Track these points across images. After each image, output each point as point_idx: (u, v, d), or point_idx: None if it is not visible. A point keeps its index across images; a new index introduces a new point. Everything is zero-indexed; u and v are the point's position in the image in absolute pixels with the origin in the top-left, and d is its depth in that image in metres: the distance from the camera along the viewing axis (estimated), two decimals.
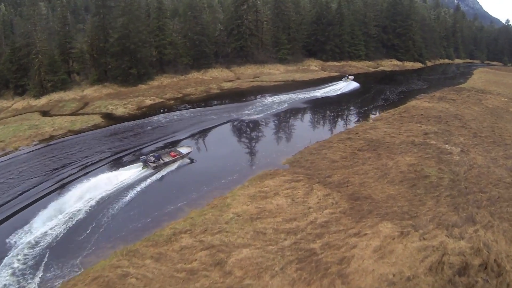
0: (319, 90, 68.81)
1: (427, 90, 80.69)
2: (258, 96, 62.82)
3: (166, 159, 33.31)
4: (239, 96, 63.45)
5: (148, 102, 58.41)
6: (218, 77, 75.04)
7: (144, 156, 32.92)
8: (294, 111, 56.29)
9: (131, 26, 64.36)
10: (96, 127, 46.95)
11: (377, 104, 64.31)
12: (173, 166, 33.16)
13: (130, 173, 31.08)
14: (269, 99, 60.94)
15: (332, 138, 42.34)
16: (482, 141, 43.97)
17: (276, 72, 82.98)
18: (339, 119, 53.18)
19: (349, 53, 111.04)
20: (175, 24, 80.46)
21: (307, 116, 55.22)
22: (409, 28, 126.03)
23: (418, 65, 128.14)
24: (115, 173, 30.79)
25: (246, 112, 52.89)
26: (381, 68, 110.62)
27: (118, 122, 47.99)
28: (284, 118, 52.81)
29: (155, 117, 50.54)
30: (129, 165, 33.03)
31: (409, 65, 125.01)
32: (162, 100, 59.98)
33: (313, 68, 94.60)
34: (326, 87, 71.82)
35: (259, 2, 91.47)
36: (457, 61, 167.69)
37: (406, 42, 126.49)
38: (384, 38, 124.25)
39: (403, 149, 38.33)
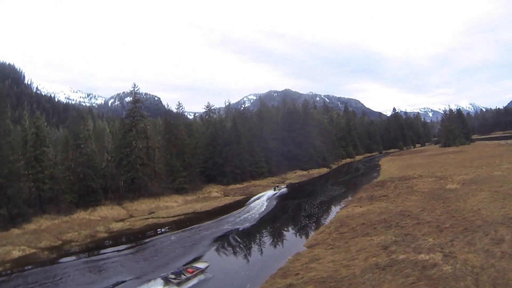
0: (222, 222, 56.60)
1: (348, 193, 73.85)
2: (149, 240, 48.39)
3: (187, 275, 33.04)
4: (130, 240, 49.20)
5: (16, 253, 42.29)
6: (108, 216, 61.27)
7: (165, 273, 33.18)
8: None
9: None
10: None
11: (302, 225, 53.42)
12: (194, 281, 32.88)
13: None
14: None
15: None
16: (453, 233, 35.24)
17: (174, 205, 70.91)
18: (263, 258, 39.36)
19: (250, 172, 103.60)
20: (58, 154, 67.80)
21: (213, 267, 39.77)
22: (308, 135, 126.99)
23: (324, 170, 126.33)
24: None
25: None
26: (288, 181, 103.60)
27: None
28: None
29: None
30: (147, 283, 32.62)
31: (315, 172, 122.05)
32: (35, 250, 43.71)
33: (215, 194, 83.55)
34: (228, 217, 60.09)
35: (148, 127, 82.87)
36: (357, 157, 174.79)
37: (307, 149, 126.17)
38: (284, 150, 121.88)
39: (373, 282, 25.96)
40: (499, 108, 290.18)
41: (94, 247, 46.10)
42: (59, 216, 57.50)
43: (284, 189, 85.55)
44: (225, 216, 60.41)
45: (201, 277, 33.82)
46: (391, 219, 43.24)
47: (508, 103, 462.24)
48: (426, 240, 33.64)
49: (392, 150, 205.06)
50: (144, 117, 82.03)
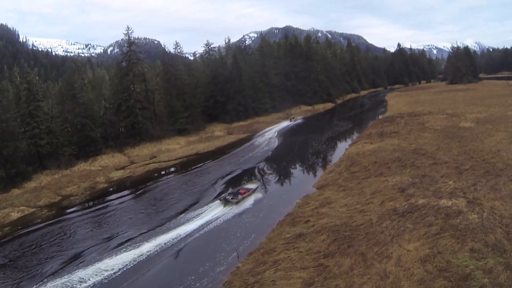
0: (224, 163, 54.30)
1: (356, 129, 71.11)
2: (148, 187, 45.67)
3: (241, 196, 36.34)
4: (130, 188, 46.53)
5: (15, 215, 38.99)
6: (109, 165, 57.89)
7: (223, 196, 36.56)
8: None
9: None
10: None
11: (310, 163, 51.10)
12: (251, 199, 36.47)
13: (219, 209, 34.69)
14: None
15: (269, 243, 25.76)
16: (474, 176, 32.47)
17: (176, 147, 67.71)
18: (270, 202, 36.48)
19: (254, 109, 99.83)
20: (54, 107, 63.34)
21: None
22: (311, 69, 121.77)
23: (329, 105, 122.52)
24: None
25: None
26: (292, 117, 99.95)
27: None
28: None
29: None
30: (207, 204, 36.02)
31: (320, 107, 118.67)
32: (34, 209, 40.40)
33: (218, 133, 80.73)
34: (231, 156, 57.91)
35: (146, 69, 78.04)
36: (362, 92, 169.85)
37: (311, 84, 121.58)
38: (287, 85, 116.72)
39: (392, 231, 23.47)
40: (506, 48, 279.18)
41: (93, 199, 42.96)
42: (59, 170, 54.46)
43: (299, 120, 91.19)
44: (227, 155, 58.19)
45: (257, 195, 37.76)
46: (406, 157, 40.54)
47: None
48: (446, 183, 30.95)
49: (397, 86, 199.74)
50: (140, 59, 77.18)
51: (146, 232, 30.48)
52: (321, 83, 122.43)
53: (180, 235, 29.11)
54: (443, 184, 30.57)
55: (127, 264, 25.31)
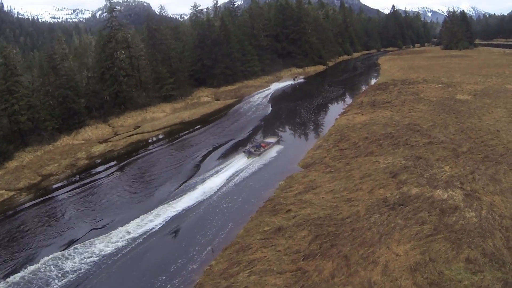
0: (208, 134, 51.54)
1: (347, 96, 68.02)
2: (128, 161, 42.64)
3: (261, 148, 38.82)
4: (111, 163, 43.24)
5: None
6: (92, 137, 54.45)
7: (246, 149, 39.19)
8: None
9: None
10: None
11: (296, 134, 48.23)
12: (273, 152, 39.49)
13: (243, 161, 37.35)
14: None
15: (246, 236, 23.15)
16: (472, 161, 29.93)
17: (161, 116, 64.06)
18: (249, 181, 33.39)
19: (243, 72, 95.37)
20: (35, 80, 59.62)
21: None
22: (302, 31, 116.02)
23: (320, 67, 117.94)
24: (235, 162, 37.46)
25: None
26: (295, 77, 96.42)
27: None
28: None
29: None
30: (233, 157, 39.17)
31: (311, 70, 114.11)
32: (13, 193, 36.71)
33: (205, 99, 76.96)
34: (215, 126, 55.00)
35: (129, 35, 73.10)
36: (355, 54, 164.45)
37: (302, 46, 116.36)
38: (278, 48, 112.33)
39: (380, 228, 20.99)
40: (503, 15, 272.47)
41: (73, 176, 39.88)
42: (42, 146, 50.60)
43: (302, 80, 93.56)
44: (212, 125, 55.19)
45: (278, 148, 40.70)
46: (399, 134, 37.80)
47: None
48: (441, 168, 28.43)
49: (390, 49, 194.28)
50: (123, 25, 72.48)
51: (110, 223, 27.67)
52: (312, 45, 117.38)
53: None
54: (438, 170, 28.03)
55: None
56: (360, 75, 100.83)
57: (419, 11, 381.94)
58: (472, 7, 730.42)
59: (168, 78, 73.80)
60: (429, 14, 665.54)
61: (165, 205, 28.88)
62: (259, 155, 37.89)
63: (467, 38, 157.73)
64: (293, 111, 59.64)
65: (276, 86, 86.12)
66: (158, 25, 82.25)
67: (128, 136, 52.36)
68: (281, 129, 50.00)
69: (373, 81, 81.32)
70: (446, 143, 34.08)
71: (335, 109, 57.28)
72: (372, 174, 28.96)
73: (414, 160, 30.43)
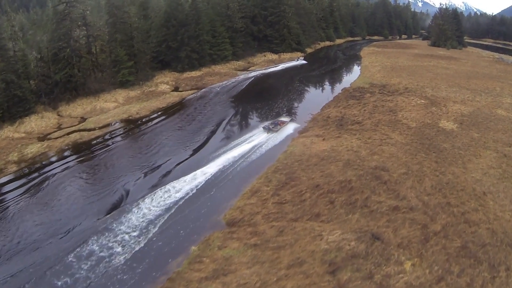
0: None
1: (315, 101, 57.15)
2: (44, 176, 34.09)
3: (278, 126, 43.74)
4: (34, 174, 35.01)
5: None
6: (34, 130, 46.63)
7: (265, 125, 44.00)
8: None
9: None
10: None
11: (237, 161, 37.25)
12: (289, 128, 44.50)
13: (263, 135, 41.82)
14: None
15: None
16: (444, 253, 21.62)
17: (110, 107, 54.98)
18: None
19: (211, 55, 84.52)
20: None
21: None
22: (282, 14, 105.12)
23: (297, 54, 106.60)
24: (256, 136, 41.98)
25: None
26: (252, 68, 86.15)
27: None
28: None
29: None
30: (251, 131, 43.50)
31: (287, 56, 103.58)
32: None
33: (163, 87, 66.66)
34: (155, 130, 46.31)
35: (88, 12, 63.76)
36: (338, 41, 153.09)
37: (280, 31, 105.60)
38: (253, 30, 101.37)
39: None
40: (494, 15, 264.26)
41: None
42: None
43: (303, 61, 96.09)
44: (155, 127, 46.96)
45: (295, 125, 45.21)
46: (360, 184, 28.75)
47: (503, 10, 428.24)
48: (400, 265, 20.20)
49: (376, 37, 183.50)
50: (78, 1, 61.84)
51: None
52: (291, 30, 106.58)
53: None
54: (395, 269, 19.66)
55: None
56: (338, 71, 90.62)
57: (410, 1, 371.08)
58: (463, 2, 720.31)
59: (126, 62, 63.99)
60: (420, 4, 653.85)
61: None
62: (276, 131, 42.58)
63: (457, 37, 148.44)
64: (249, 116, 50.21)
65: (243, 76, 76.30)
66: (120, 1, 71.06)
67: (68, 134, 44.44)
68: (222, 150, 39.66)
69: (350, 81, 71.48)
70: (416, 211, 25.18)
71: (295, 122, 47.20)
72: (305, 263, 20.22)
73: (368, 243, 21.62)
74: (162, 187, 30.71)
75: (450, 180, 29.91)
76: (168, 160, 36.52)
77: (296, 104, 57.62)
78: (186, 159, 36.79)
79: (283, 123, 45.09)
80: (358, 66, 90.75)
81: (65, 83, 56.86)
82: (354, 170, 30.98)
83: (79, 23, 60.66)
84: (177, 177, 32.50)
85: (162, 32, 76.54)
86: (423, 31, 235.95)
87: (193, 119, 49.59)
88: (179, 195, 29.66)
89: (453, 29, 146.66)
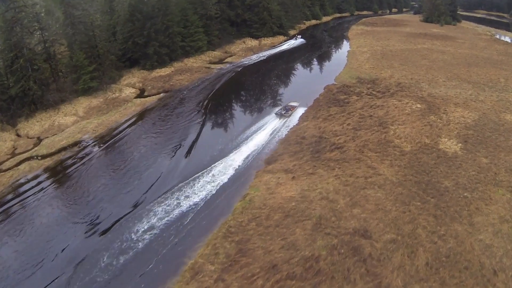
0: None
1: (289, 111, 47.91)
2: None
3: (290, 111, 45.21)
4: None
5: None
6: None
7: (277, 111, 45.00)
8: None
9: None
10: None
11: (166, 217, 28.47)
12: (298, 111, 45.40)
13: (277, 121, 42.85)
14: None
15: None
16: None
17: (69, 122, 47.08)
18: None
19: (184, 48, 74.54)
20: None
21: None
22: None
23: (279, 39, 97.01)
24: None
25: None
26: (229, 59, 77.32)
27: None
28: None
29: None
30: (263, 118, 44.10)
31: (268, 42, 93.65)
32: None
33: (127, 92, 57.50)
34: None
35: (42, 14, 57.90)
36: (325, 19, 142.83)
37: (260, 14, 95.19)
38: (231, 15, 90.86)
39: None
40: None
41: None
42: None
43: (302, 40, 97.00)
44: (107, 151, 38.64)
45: (300, 110, 46.04)
46: (331, 265, 21.00)
47: None
48: None
49: (365, 13, 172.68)
50: (27, 6, 53.28)
51: None
52: (272, 13, 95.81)
53: None
54: None
55: None
56: (322, 59, 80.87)
57: None
58: None
59: (87, 66, 55.31)
60: None
61: None
62: (288, 116, 43.72)
63: (450, 12, 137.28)
64: (215, 136, 41.71)
65: (216, 71, 67.92)
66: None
67: (19, 163, 36.93)
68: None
69: (335, 73, 62.07)
70: None
71: (258, 152, 37.03)
72: None
73: None
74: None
75: (452, 250, 21.75)
76: (103, 215, 27.83)
77: (269, 109, 48.16)
78: (123, 216, 27.80)
79: (294, 108, 46.05)
80: (345, 52, 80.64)
81: (22, 97, 49.58)
82: (326, 236, 22.73)
83: (33, 28, 52.77)
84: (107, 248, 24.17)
85: (128, 28, 66.92)
86: (413, 3, 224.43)
87: (148, 142, 40.59)
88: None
89: (446, 3, 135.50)
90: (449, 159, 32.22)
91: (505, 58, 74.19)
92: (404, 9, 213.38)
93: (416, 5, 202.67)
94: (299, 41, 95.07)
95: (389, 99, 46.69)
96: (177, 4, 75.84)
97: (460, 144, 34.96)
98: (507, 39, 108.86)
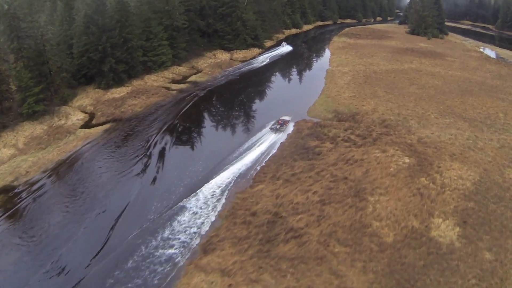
0: None
1: (247, 156, 39.05)
2: None
3: (284, 125, 45.17)
4: None
5: None
6: None
7: (271, 126, 44.96)
8: None
9: None
10: None
11: None
12: (290, 126, 45.29)
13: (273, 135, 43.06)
14: None
15: None
16: None
17: (5, 156, 39.76)
18: None
19: (145, 63, 65.52)
20: None
21: None
22: (235, 5, 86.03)
23: (253, 52, 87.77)
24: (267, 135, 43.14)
25: None
26: (193, 77, 68.10)
27: None
28: None
29: None
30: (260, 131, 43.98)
31: (240, 55, 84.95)
32: None
33: (74, 119, 49.01)
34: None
35: None
36: (306, 27, 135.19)
37: (233, 24, 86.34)
38: (201, 25, 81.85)
39: None
40: None
41: None
42: None
43: (289, 46, 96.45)
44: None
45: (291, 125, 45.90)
46: None
47: None
48: None
49: (349, 21, 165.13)
50: None
51: None
52: (247, 23, 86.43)
53: None
54: None
55: None
56: (296, 79, 72.31)
57: None
58: None
59: (33, 88, 47.75)
60: None
61: None
62: (282, 130, 43.97)
63: (437, 24, 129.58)
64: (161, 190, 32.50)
65: (175, 92, 59.72)
66: (24, 9, 53.85)
67: None
68: None
69: (309, 102, 53.26)
70: None
71: (200, 230, 27.19)
72: None
73: None
74: None
75: None
76: None
77: (217, 160, 38.25)
78: None
79: (287, 122, 46.00)
80: (324, 72, 71.39)
81: None
82: None
83: None
84: None
85: (83, 41, 58.00)
86: (398, 11, 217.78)
87: (63, 207, 30.85)
88: None
89: (433, 15, 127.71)
90: (443, 257, 23.22)
91: (500, 83, 65.84)
92: (389, 18, 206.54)
93: (401, 14, 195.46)
94: (286, 47, 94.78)
95: (370, 148, 37.51)
96: (140, 14, 66.86)
97: (457, 228, 25.87)
98: (494, 54, 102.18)
